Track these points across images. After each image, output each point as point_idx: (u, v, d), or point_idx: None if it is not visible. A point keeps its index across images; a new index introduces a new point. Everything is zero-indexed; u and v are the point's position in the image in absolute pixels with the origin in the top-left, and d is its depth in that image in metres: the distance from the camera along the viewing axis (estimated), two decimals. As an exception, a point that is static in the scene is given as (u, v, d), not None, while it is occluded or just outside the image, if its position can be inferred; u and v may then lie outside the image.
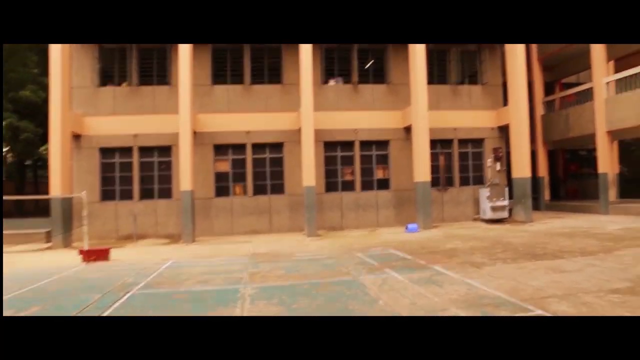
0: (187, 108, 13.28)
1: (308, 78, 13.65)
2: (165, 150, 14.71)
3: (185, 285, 6.95)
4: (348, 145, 15.33)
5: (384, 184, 15.52)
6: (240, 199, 14.75)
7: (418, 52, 14.16)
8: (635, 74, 15.50)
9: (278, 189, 15.00)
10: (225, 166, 14.95)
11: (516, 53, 14.82)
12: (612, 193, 16.38)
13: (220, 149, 14.90)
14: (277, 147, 15.03)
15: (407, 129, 15.14)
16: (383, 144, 15.54)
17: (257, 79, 15.17)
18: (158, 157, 14.72)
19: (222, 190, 14.85)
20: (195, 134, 14.22)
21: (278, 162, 15.04)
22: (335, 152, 15.29)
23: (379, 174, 15.56)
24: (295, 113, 14.62)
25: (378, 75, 15.86)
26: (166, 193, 14.64)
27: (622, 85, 16.02)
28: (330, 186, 15.20)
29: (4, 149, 25.46)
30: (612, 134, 16.52)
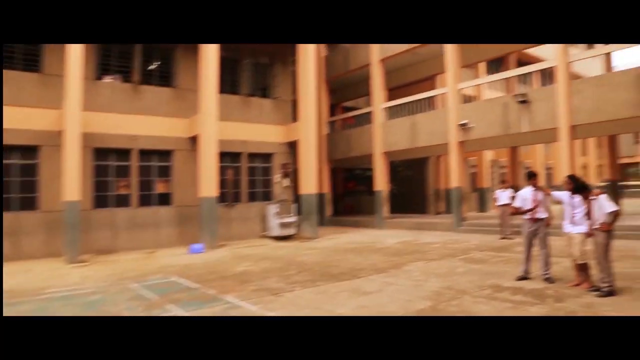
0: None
1: (77, 71, 11.16)
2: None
3: None
4: (124, 153, 13.15)
5: (165, 199, 13.77)
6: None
7: (210, 57, 13.01)
8: (403, 104, 17.30)
9: (29, 203, 11.90)
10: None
11: (308, 69, 14.96)
12: (385, 209, 17.82)
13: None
14: (31, 150, 11.97)
15: (194, 139, 13.74)
16: (166, 154, 13.83)
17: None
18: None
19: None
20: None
21: (30, 172, 11.96)
22: (108, 161, 12.97)
23: (160, 187, 13.75)
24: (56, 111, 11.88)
25: (164, 77, 14.16)
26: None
27: (393, 112, 17.69)
28: (101, 201, 12.76)
29: None
30: (387, 155, 18.05)
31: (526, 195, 7.11)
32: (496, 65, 24.23)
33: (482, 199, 23.16)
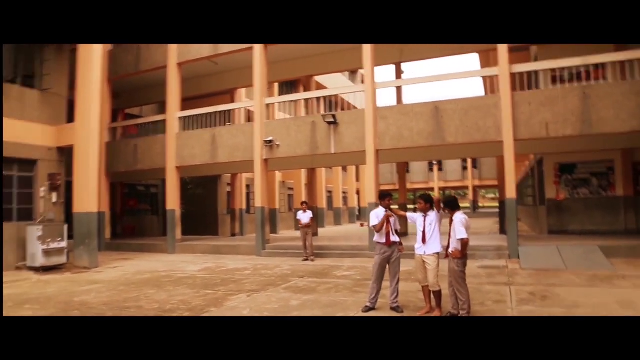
0: None
1: None
2: None
3: None
4: None
5: None
6: None
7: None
8: (203, 115, 15.71)
9: None
10: None
11: (92, 59, 12.16)
12: (179, 230, 15.73)
13: None
14: None
15: None
16: None
17: None
18: None
19: None
20: None
21: None
22: None
23: None
24: None
25: None
26: None
27: (189, 124, 15.91)
28: None
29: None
30: (181, 170, 16.07)
31: (379, 216, 6.41)
32: (288, 88, 24.72)
33: (273, 221, 22.88)
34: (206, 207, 22.25)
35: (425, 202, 6.05)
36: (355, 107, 20.66)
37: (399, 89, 16.03)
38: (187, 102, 18.30)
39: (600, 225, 14.28)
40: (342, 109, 18.50)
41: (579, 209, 14.61)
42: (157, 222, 21.92)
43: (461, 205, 6.42)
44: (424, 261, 6.01)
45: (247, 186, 23.73)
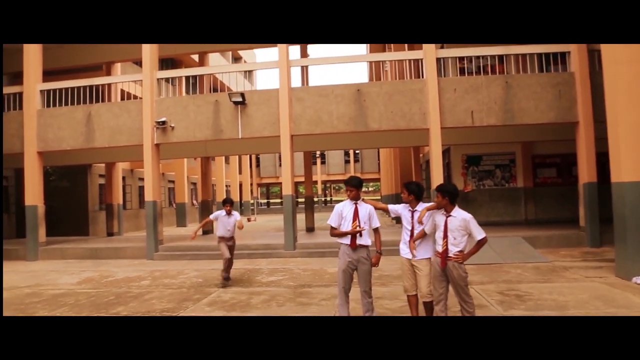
0: None
1: None
2: None
3: None
4: None
5: None
6: None
7: None
8: (75, 88, 12.80)
9: None
10: None
11: None
12: (42, 231, 12.62)
13: None
14: None
15: None
16: None
17: None
18: None
19: None
20: None
21: None
22: None
23: None
24: None
25: None
26: None
27: (57, 99, 12.84)
28: None
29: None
30: (43, 157, 12.93)
31: (345, 212, 4.93)
32: (166, 64, 22.11)
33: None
34: (73, 203, 18.77)
35: (410, 193, 4.77)
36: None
37: (304, 70, 14.76)
38: (52, 76, 15.04)
39: (504, 215, 14.57)
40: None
41: (484, 200, 14.75)
42: (7, 222, 17.90)
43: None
44: (413, 266, 4.76)
45: (124, 178, 20.65)
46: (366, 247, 4.81)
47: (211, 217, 8.11)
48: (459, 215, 4.41)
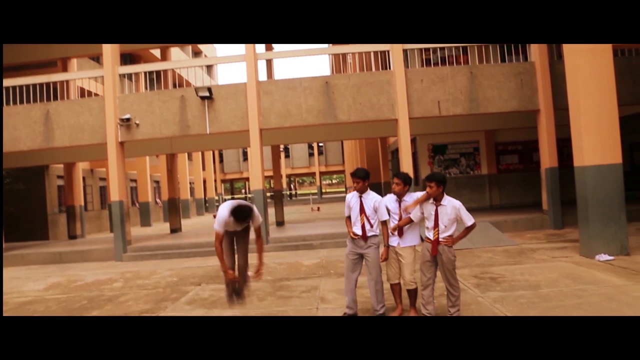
0: None
1: None
2: None
3: None
4: None
5: None
6: None
7: None
8: (30, 85, 12.26)
9: None
10: None
11: None
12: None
13: None
14: None
15: None
16: None
17: None
18: None
19: None
20: None
21: None
22: None
23: None
24: None
25: None
26: None
27: (10, 98, 12.25)
28: None
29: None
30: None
31: (352, 203, 4.93)
32: (125, 60, 21.51)
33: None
34: (31, 206, 18.02)
35: (405, 183, 4.85)
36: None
37: (269, 64, 14.65)
38: (4, 73, 14.32)
39: (470, 202, 14.92)
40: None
41: (451, 188, 15.06)
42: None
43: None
44: (397, 254, 4.84)
45: (84, 178, 19.96)
46: (367, 238, 4.84)
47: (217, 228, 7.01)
48: (449, 203, 4.53)
